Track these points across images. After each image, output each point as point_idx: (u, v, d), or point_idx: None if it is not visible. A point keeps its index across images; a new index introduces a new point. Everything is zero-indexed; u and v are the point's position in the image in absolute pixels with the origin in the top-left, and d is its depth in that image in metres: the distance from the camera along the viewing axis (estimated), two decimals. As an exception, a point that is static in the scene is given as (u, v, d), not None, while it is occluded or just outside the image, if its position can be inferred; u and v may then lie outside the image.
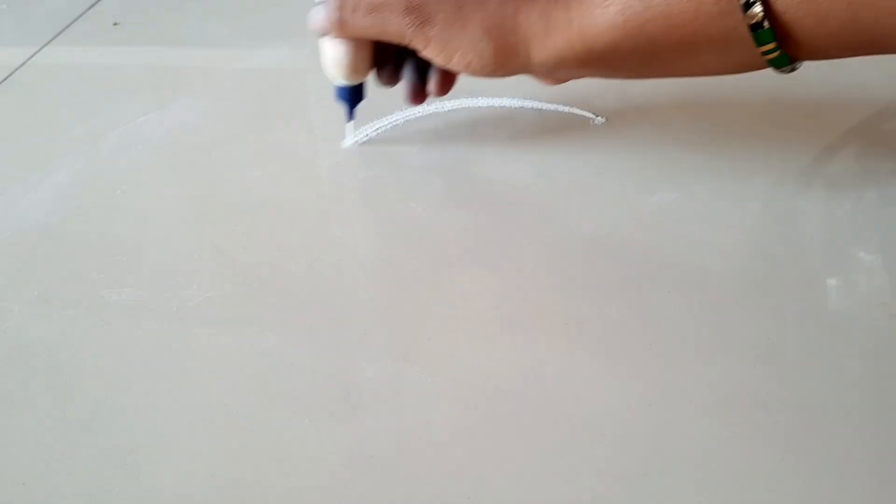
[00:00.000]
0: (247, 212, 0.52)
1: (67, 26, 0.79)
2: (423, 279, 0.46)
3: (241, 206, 0.53)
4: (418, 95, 0.50)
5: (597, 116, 0.57)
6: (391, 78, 0.51)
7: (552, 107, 0.58)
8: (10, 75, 0.71)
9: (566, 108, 0.58)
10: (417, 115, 0.59)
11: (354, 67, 0.49)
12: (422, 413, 0.39)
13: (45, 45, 0.76)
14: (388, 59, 0.50)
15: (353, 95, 0.53)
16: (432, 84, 0.49)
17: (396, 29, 0.44)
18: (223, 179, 0.56)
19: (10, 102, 0.68)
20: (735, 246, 0.46)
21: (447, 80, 0.50)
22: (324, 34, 0.47)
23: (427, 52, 0.44)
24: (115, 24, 0.79)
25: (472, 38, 0.42)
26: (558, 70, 0.44)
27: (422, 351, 0.42)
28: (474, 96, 0.60)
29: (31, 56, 0.74)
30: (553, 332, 0.42)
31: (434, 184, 0.53)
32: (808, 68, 0.60)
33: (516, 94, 0.60)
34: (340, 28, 0.46)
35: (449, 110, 0.59)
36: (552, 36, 0.42)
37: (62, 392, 0.42)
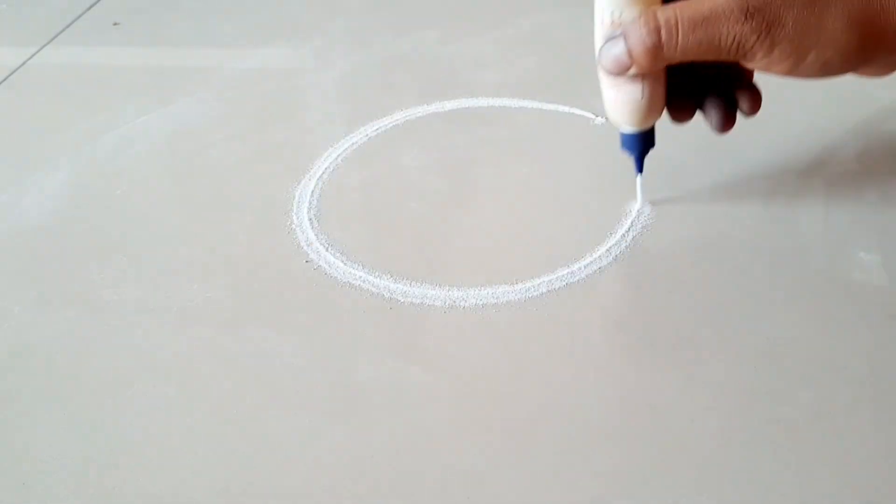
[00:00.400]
0: (247, 212, 0.52)
1: (67, 26, 0.79)
2: (423, 278, 0.46)
3: (241, 206, 0.53)
4: (729, 122, 0.44)
5: (597, 116, 0.57)
6: (687, 112, 0.44)
7: (552, 107, 0.58)
8: (10, 75, 0.71)
9: (566, 108, 0.58)
10: (417, 115, 0.59)
11: (651, 107, 0.42)
12: (422, 413, 0.39)
13: (45, 45, 0.76)
14: (681, 89, 0.43)
15: (644, 143, 0.45)
16: (745, 104, 0.43)
17: (734, 40, 0.37)
18: (223, 179, 0.56)
19: (10, 102, 0.68)
20: (735, 246, 0.46)
21: (757, 97, 0.43)
22: (625, 71, 0.40)
23: (768, 60, 0.38)
24: (115, 24, 0.79)
25: (831, 32, 0.37)
26: None
27: (422, 351, 0.42)
28: (474, 96, 0.60)
29: (31, 56, 0.74)
30: (553, 332, 0.42)
31: (434, 184, 0.53)
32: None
33: (516, 95, 0.60)
34: (656, 57, 0.38)
35: (449, 110, 0.59)
36: None
37: (62, 392, 0.42)
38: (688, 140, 0.54)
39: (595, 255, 0.46)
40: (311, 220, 0.51)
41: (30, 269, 0.50)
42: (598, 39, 0.40)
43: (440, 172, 0.54)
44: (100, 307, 0.46)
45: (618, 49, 0.39)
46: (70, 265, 0.50)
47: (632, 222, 0.48)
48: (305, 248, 0.49)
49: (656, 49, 0.38)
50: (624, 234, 0.47)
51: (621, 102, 0.42)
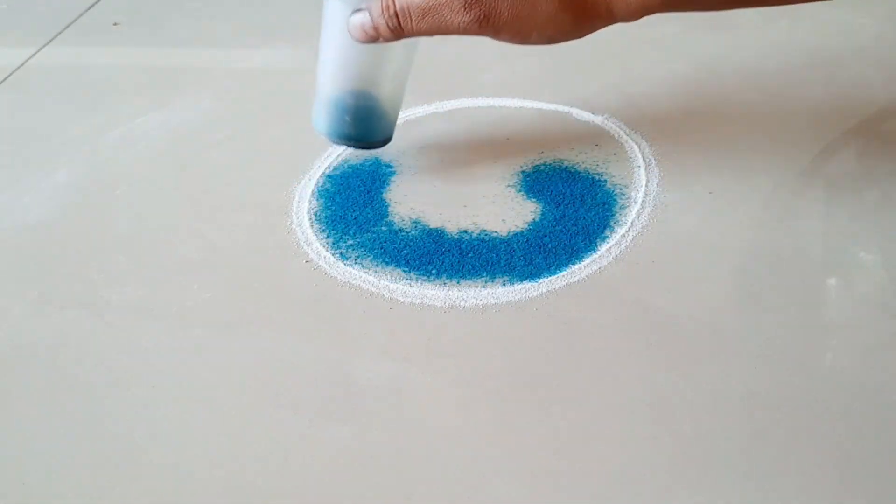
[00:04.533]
0: (247, 212, 0.52)
1: (67, 26, 0.79)
2: (423, 278, 0.46)
3: (241, 206, 0.53)
4: None
5: (597, 116, 0.57)
6: None
7: (552, 107, 0.58)
8: (10, 75, 0.71)
9: (566, 108, 0.58)
10: (418, 114, 0.59)
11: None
12: (421, 413, 0.39)
13: (45, 45, 0.76)
14: None
15: None
16: None
17: (459, 27, 0.42)
18: (223, 179, 0.56)
19: (10, 102, 0.68)
20: (735, 246, 0.46)
21: None
22: (370, 40, 0.45)
23: (497, 40, 0.43)
24: (115, 24, 0.79)
25: (546, 13, 0.42)
26: (641, 15, 0.43)
27: (422, 351, 0.42)
28: (474, 96, 0.60)
29: (31, 56, 0.74)
30: (553, 332, 0.42)
31: (434, 184, 0.53)
32: (808, 68, 0.60)
33: (516, 95, 0.60)
34: (397, 35, 0.44)
35: (449, 110, 0.59)
36: None
37: (62, 392, 0.42)
38: (687, 140, 0.54)
39: (595, 255, 0.46)
40: (311, 220, 0.51)
41: (30, 269, 0.50)
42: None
43: (441, 172, 0.54)
44: (100, 307, 0.46)
45: (366, 24, 0.45)
46: (70, 265, 0.50)
47: (632, 222, 0.48)
48: (305, 248, 0.49)
49: (398, 30, 0.44)
50: (624, 234, 0.47)
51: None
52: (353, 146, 0.52)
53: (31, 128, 0.64)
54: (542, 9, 0.42)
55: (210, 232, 0.51)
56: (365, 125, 0.51)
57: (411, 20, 0.43)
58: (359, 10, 0.45)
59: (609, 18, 0.43)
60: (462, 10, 0.42)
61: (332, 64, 0.49)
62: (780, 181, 0.50)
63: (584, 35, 0.44)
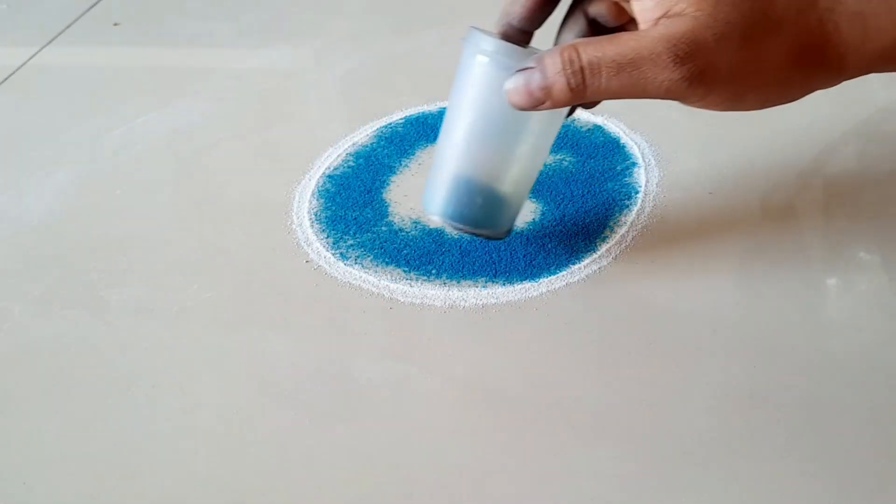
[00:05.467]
0: (247, 212, 0.52)
1: (67, 26, 0.79)
2: (423, 278, 0.46)
3: (241, 206, 0.53)
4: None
5: (597, 116, 0.57)
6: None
7: (552, 107, 0.58)
8: (10, 75, 0.71)
9: (566, 109, 0.58)
10: (418, 114, 0.59)
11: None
12: (422, 413, 0.39)
13: (46, 45, 0.76)
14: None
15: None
16: (609, 14, 0.40)
17: (662, 87, 0.34)
18: (223, 179, 0.56)
19: (10, 102, 0.68)
20: (735, 246, 0.46)
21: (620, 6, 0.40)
22: (537, 107, 0.36)
23: (703, 103, 0.36)
24: (115, 24, 0.79)
25: (770, 71, 0.35)
26: (872, 71, 0.36)
27: (422, 351, 0.42)
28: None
29: (32, 56, 0.74)
30: (553, 332, 0.42)
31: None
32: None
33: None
34: (576, 98, 0.35)
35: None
36: (872, 38, 0.34)
37: (62, 392, 0.42)
38: (687, 140, 0.54)
39: (595, 255, 0.46)
40: (311, 220, 0.51)
41: (30, 269, 0.50)
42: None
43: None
44: (100, 307, 0.46)
45: (534, 84, 0.36)
46: (70, 265, 0.50)
47: (632, 222, 0.48)
48: (305, 247, 0.49)
49: (580, 89, 0.35)
50: (624, 235, 0.47)
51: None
52: (476, 234, 0.42)
53: (31, 128, 0.64)
54: (768, 64, 0.34)
55: (210, 232, 0.51)
56: (496, 210, 0.42)
57: (602, 77, 0.34)
58: (523, 70, 0.36)
59: (839, 74, 0.36)
60: (672, 64, 0.33)
61: (469, 138, 0.40)
62: (780, 181, 0.50)
63: (805, 95, 0.37)
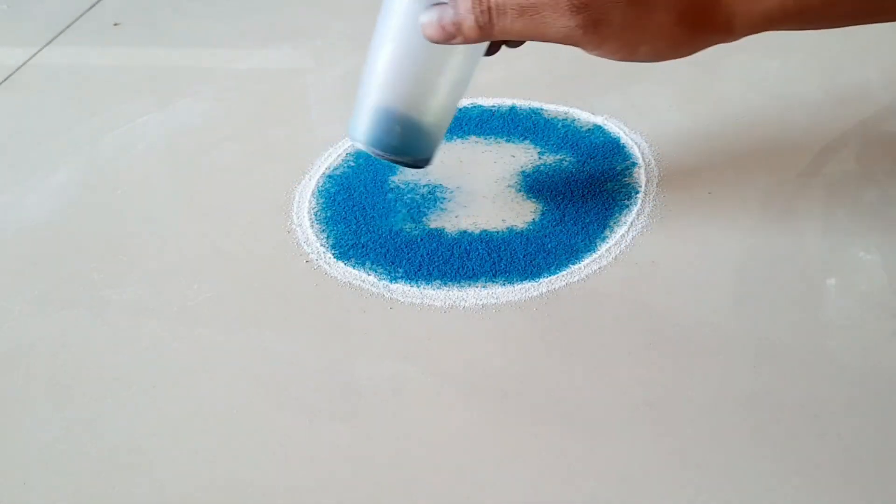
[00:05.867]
0: (247, 212, 0.52)
1: (67, 26, 0.79)
2: (423, 277, 0.46)
3: (241, 206, 0.53)
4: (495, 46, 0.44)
5: (597, 116, 0.57)
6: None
7: (552, 106, 0.58)
8: (10, 75, 0.71)
9: (566, 108, 0.58)
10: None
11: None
12: (422, 413, 0.39)
13: (46, 45, 0.76)
14: None
15: None
16: None
17: (560, 32, 0.37)
18: (223, 179, 0.56)
19: (10, 102, 0.68)
20: (735, 246, 0.46)
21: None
22: (449, 40, 0.39)
23: (600, 52, 0.39)
24: (116, 24, 0.79)
25: (660, 25, 0.37)
26: (759, 31, 0.39)
27: (422, 351, 0.42)
28: (474, 96, 0.60)
29: (32, 56, 0.74)
30: (553, 332, 0.42)
31: (434, 184, 0.53)
32: (808, 68, 0.60)
33: (516, 95, 0.60)
34: (483, 35, 0.39)
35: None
36: (759, 0, 0.38)
37: (62, 392, 0.42)
38: (687, 140, 0.54)
39: (595, 255, 0.46)
40: (311, 220, 0.51)
41: (30, 269, 0.50)
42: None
43: (441, 173, 0.54)
44: (100, 307, 0.46)
45: (446, 19, 0.39)
46: (70, 265, 0.50)
47: (632, 222, 0.48)
48: (305, 248, 0.49)
49: (487, 28, 0.38)
50: (624, 234, 0.47)
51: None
52: (397, 161, 0.45)
53: (31, 128, 0.64)
54: (657, 19, 0.37)
55: (210, 232, 0.51)
56: (415, 139, 0.44)
57: (507, 17, 0.38)
58: (438, 4, 0.39)
59: (727, 33, 0.39)
60: (568, 12, 0.36)
61: (388, 67, 0.42)
62: (780, 181, 0.50)
63: (696, 51, 0.40)
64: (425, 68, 0.42)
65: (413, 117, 0.43)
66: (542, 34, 0.38)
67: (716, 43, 0.40)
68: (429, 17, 0.39)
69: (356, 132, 0.44)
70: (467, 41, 0.39)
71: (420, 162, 0.45)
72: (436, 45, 0.40)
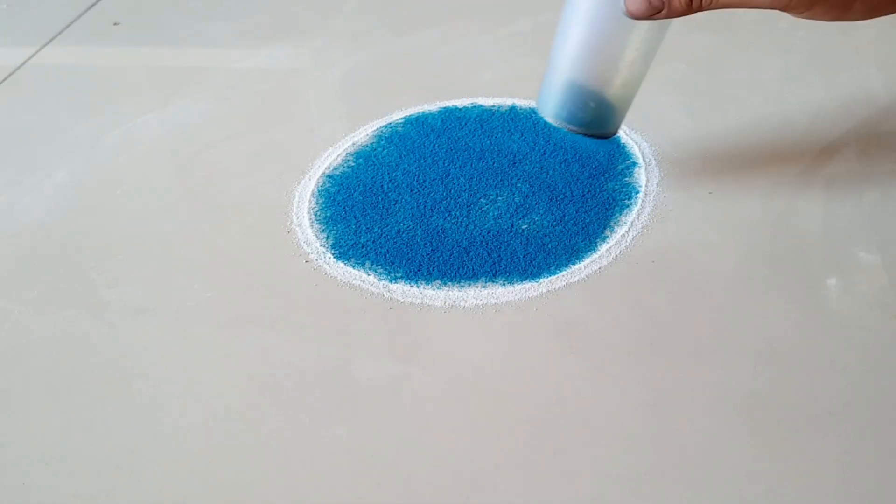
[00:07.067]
0: (247, 212, 0.52)
1: (67, 26, 0.79)
2: (423, 277, 0.46)
3: (241, 206, 0.53)
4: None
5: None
6: None
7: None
8: (10, 75, 0.71)
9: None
10: (418, 114, 0.59)
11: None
12: (422, 413, 0.39)
13: (45, 45, 0.76)
14: None
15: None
16: None
17: None
18: (223, 179, 0.56)
19: (10, 102, 0.68)
20: (735, 246, 0.46)
21: None
22: (653, 15, 0.39)
23: (811, 13, 0.38)
24: (116, 24, 0.79)
25: None
26: None
27: (422, 351, 0.42)
28: (475, 96, 0.60)
29: (31, 56, 0.74)
30: (553, 332, 0.42)
31: (434, 184, 0.53)
32: (808, 68, 0.60)
33: (516, 94, 0.60)
34: (692, 7, 0.38)
35: (453, 108, 0.59)
36: None
37: (62, 392, 0.42)
38: (687, 140, 0.54)
39: (595, 255, 0.46)
40: (311, 220, 0.51)
41: (30, 269, 0.50)
42: None
43: (441, 172, 0.54)
44: (100, 307, 0.46)
45: None
46: (70, 265, 0.50)
47: (632, 222, 0.48)
48: (305, 248, 0.49)
49: (697, 0, 0.37)
50: (624, 234, 0.47)
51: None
52: (588, 135, 0.45)
53: (31, 128, 0.64)
54: None
55: (210, 232, 0.51)
56: (606, 113, 0.45)
57: None
58: None
59: None
60: None
61: (582, 45, 0.42)
62: (780, 181, 0.50)
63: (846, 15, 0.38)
64: (617, 45, 0.42)
65: (605, 93, 0.44)
66: (751, 1, 0.37)
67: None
68: None
69: (547, 108, 0.44)
70: (672, 15, 0.39)
71: (610, 134, 0.46)
72: (628, 21, 0.39)
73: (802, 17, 0.38)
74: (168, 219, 0.53)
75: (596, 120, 0.45)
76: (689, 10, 0.38)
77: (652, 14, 0.39)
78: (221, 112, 0.63)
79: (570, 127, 0.45)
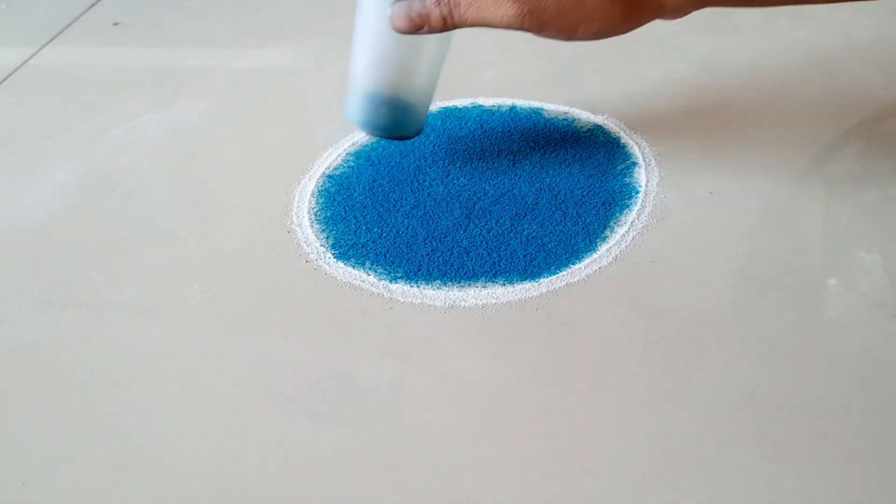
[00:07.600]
0: (247, 211, 0.52)
1: (67, 26, 0.79)
2: (423, 277, 0.46)
3: (241, 206, 0.53)
4: None
5: (597, 116, 0.57)
6: None
7: (552, 106, 0.58)
8: (10, 75, 0.71)
9: (566, 108, 0.58)
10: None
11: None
12: (422, 413, 0.39)
13: (45, 45, 0.76)
14: None
15: None
16: None
17: (504, 20, 0.41)
18: (223, 179, 0.56)
19: (10, 102, 0.68)
20: (735, 246, 0.46)
21: None
22: (415, 30, 0.44)
23: (543, 35, 0.42)
24: (115, 24, 0.79)
25: (594, 7, 0.41)
26: (690, 9, 0.43)
27: (422, 351, 0.42)
28: (474, 96, 0.60)
29: (31, 56, 0.74)
30: (553, 332, 0.42)
31: (434, 183, 0.53)
32: (808, 68, 0.60)
33: (516, 94, 0.60)
34: (445, 24, 0.43)
35: (453, 108, 0.59)
36: None
37: (62, 392, 0.42)
38: (687, 140, 0.54)
39: (595, 255, 0.46)
40: (311, 220, 0.51)
41: (30, 269, 0.50)
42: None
43: (441, 173, 0.54)
44: (100, 307, 0.46)
45: (413, 11, 0.43)
46: (70, 265, 0.50)
47: (632, 222, 0.48)
48: (305, 248, 0.49)
49: (449, 18, 0.43)
50: (624, 234, 0.47)
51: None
52: (387, 138, 0.52)
53: (31, 128, 0.64)
54: (590, 1, 0.41)
55: (210, 232, 0.51)
56: (401, 118, 0.50)
57: (461, 9, 0.42)
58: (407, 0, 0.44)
59: (658, 11, 0.42)
60: (507, 3, 0.41)
61: (369, 56, 0.47)
62: (780, 181, 0.50)
63: (632, 29, 0.43)
64: (400, 55, 0.47)
65: (396, 99, 0.49)
66: (490, 22, 0.42)
67: (650, 20, 0.43)
68: (397, 11, 0.44)
69: (350, 115, 0.50)
70: (432, 31, 0.44)
71: (411, 135, 0.51)
72: (400, 34, 0.44)
73: (542, 37, 0.43)
74: (168, 219, 0.53)
75: (393, 124, 0.50)
76: (445, 27, 0.43)
77: (414, 30, 0.44)
78: (221, 112, 0.63)
79: (370, 131, 0.50)
